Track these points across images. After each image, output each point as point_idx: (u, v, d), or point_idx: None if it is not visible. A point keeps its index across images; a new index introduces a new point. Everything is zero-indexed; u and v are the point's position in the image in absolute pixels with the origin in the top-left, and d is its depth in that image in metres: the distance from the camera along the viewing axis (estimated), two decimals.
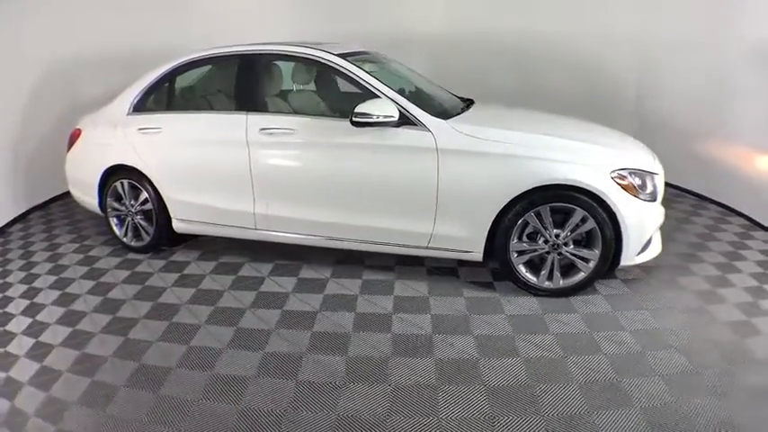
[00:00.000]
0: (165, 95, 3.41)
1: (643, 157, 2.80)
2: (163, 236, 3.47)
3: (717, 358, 2.29)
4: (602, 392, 2.07)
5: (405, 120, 2.77)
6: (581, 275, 2.73)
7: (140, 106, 3.43)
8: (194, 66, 3.35)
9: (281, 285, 3.04)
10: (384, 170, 2.83)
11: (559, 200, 2.62)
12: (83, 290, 3.10)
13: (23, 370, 2.39)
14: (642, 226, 2.65)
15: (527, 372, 2.21)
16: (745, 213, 3.91)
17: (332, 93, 3.43)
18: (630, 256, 2.68)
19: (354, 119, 2.72)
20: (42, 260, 3.55)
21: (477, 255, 2.83)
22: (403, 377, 2.21)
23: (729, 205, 4.09)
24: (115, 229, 3.59)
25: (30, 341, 2.61)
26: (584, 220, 2.63)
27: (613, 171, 2.60)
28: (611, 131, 3.09)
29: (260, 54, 3.16)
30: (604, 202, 2.57)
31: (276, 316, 2.72)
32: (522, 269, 2.79)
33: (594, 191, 2.56)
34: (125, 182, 3.43)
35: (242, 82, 3.15)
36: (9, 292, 3.13)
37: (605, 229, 2.61)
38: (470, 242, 2.80)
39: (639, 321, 2.58)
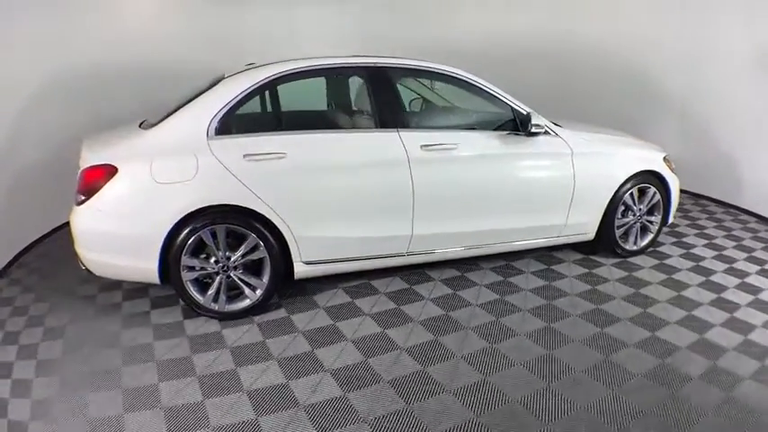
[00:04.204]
0: (269, 112, 2.67)
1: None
2: (276, 289, 2.75)
3: None
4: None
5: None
6: (650, 236, 3.68)
7: (229, 127, 2.59)
8: (298, 77, 2.74)
9: (517, 303, 2.95)
10: (538, 174, 3.17)
11: (642, 182, 3.49)
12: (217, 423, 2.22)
13: None
14: (678, 194, 3.78)
15: None
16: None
17: (470, 106, 3.40)
18: (671, 217, 3.79)
19: (532, 130, 2.99)
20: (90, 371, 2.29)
21: (591, 235, 3.46)
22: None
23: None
24: (195, 296, 2.60)
25: None
26: (653, 195, 3.57)
27: (663, 158, 3.62)
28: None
29: (394, 68, 2.93)
30: (665, 179, 3.57)
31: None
32: (619, 240, 3.55)
33: (662, 172, 3.52)
34: (218, 228, 2.55)
35: (381, 97, 2.84)
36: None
37: (664, 199, 3.62)
38: (590, 226, 3.40)
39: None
